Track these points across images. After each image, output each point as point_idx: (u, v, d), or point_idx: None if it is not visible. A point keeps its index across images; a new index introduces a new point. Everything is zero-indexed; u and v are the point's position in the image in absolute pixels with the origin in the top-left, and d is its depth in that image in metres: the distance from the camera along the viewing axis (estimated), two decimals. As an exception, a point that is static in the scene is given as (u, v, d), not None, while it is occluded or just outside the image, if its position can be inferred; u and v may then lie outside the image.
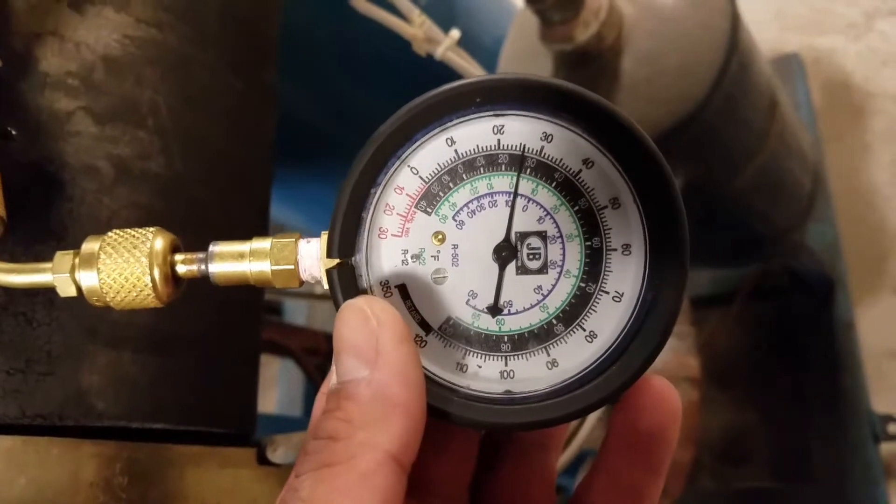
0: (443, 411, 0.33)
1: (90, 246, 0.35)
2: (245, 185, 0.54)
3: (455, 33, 0.77)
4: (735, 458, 1.64)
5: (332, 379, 0.31)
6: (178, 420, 0.44)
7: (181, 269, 0.36)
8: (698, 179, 1.30)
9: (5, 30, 0.44)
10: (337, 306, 0.33)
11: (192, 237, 0.39)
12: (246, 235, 0.37)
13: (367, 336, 0.30)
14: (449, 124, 0.35)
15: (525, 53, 1.35)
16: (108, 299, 0.34)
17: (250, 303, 0.54)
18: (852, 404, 1.53)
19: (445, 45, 0.75)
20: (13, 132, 0.42)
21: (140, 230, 0.35)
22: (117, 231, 0.36)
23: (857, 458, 1.50)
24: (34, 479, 0.37)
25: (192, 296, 0.38)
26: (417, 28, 0.75)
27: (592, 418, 0.68)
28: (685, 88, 1.19)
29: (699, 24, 1.20)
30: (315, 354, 1.43)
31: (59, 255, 0.35)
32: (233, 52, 0.54)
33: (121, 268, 0.34)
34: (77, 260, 0.35)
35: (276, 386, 1.86)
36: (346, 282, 0.34)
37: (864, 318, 1.64)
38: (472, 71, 0.77)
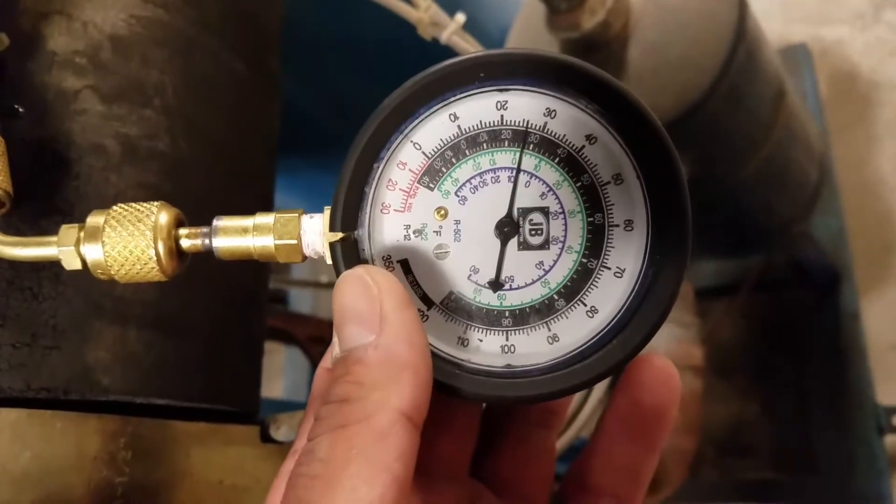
0: (445, 384, 0.33)
1: (95, 219, 0.35)
2: (248, 168, 0.55)
3: (460, 17, 0.76)
4: (738, 450, 1.64)
5: (334, 351, 0.32)
6: (182, 397, 0.45)
7: (185, 243, 0.36)
8: (704, 169, 1.29)
9: (13, 8, 0.44)
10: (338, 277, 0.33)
11: (198, 216, 0.39)
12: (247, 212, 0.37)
13: (369, 302, 0.30)
14: (452, 99, 0.35)
15: (531, 41, 1.35)
16: (112, 272, 0.35)
17: (256, 282, 0.54)
18: (857, 396, 1.52)
19: (451, 29, 0.75)
20: (21, 110, 0.42)
21: (145, 204, 0.36)
22: (122, 205, 0.36)
23: (861, 449, 1.50)
24: (39, 452, 0.38)
25: (197, 274, 0.38)
26: (423, 12, 0.74)
27: (593, 402, 0.68)
28: (691, 78, 1.19)
29: (706, 13, 1.19)
30: (320, 343, 1.43)
31: (64, 228, 0.36)
32: (237, 38, 0.54)
33: (125, 241, 0.34)
34: (82, 233, 0.35)
35: (282, 374, 1.87)
36: (348, 255, 0.34)
37: (870, 310, 1.63)
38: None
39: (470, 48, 0.77)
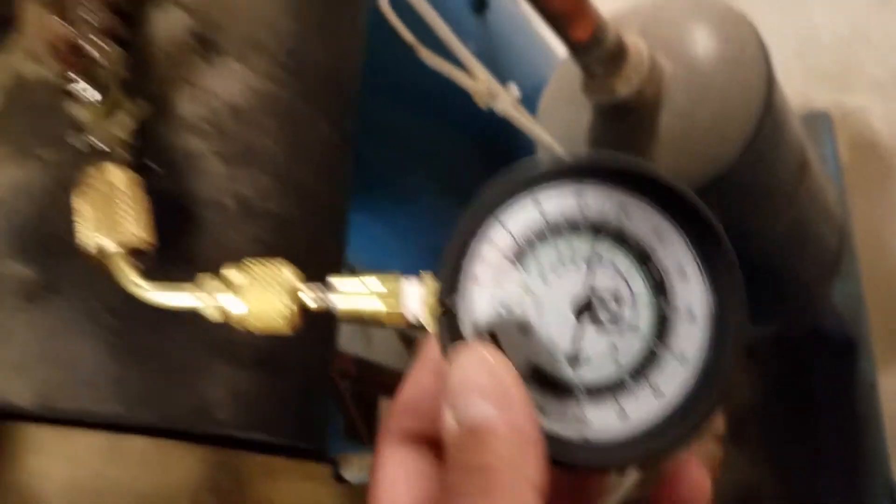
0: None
1: (231, 273, 0.41)
2: (335, 218, 0.61)
3: (514, 90, 0.83)
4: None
5: (448, 421, 0.35)
6: (279, 433, 0.50)
7: (308, 301, 0.41)
8: (727, 233, 1.34)
9: (147, 76, 0.50)
10: (443, 348, 0.39)
11: (302, 269, 0.44)
12: (334, 270, 0.43)
13: (492, 378, 0.34)
14: (540, 192, 0.41)
15: (566, 101, 1.41)
16: (246, 324, 0.40)
17: (329, 328, 0.60)
18: (871, 468, 1.52)
19: (506, 101, 0.82)
20: (154, 167, 0.48)
21: (275, 261, 0.41)
22: (255, 260, 0.41)
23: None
24: (159, 478, 0.43)
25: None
26: (481, 84, 0.81)
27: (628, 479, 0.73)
28: (719, 145, 1.24)
29: (736, 84, 1.25)
30: (346, 377, 1.47)
31: (202, 277, 0.41)
32: (327, 104, 0.60)
33: (261, 296, 0.40)
34: (220, 284, 0.41)
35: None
36: (449, 326, 0.40)
37: (887, 382, 1.64)
38: (528, 125, 0.82)
39: (521, 118, 0.83)
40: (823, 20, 2.22)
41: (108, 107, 0.43)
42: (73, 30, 0.42)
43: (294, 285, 0.41)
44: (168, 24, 0.51)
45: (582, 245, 0.41)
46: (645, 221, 0.40)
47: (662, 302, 0.41)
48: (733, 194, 1.31)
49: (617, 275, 0.41)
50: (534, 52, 1.74)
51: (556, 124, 1.38)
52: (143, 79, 0.49)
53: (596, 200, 0.40)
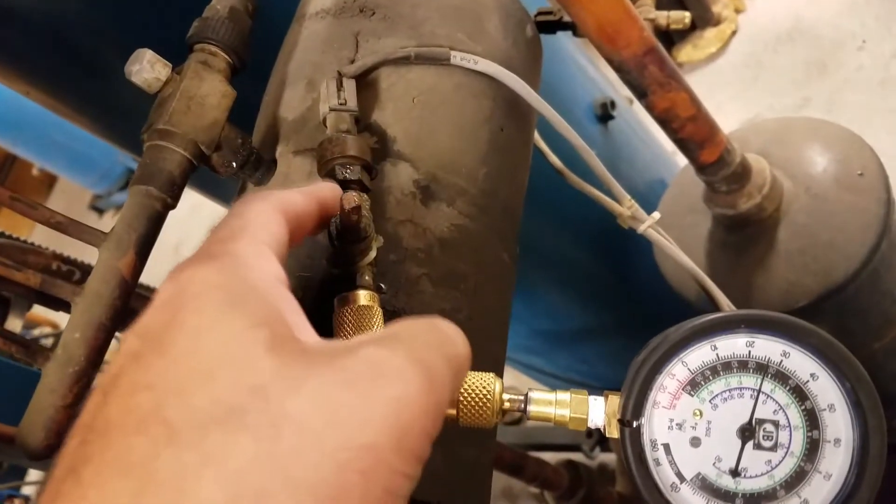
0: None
1: (454, 384, 0.52)
2: (502, 328, 0.72)
3: (656, 214, 0.92)
4: None
5: None
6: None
7: (507, 406, 0.52)
8: (840, 341, 1.38)
9: (382, 217, 0.63)
10: (625, 458, 0.48)
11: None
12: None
13: None
14: (715, 338, 0.50)
15: (686, 208, 1.50)
16: (459, 418, 0.50)
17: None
18: None
19: (647, 224, 0.92)
20: (384, 288, 0.61)
21: (489, 375, 0.52)
22: (473, 373, 0.52)
23: None
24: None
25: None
26: (626, 208, 0.91)
27: None
28: (836, 262, 1.30)
29: (854, 207, 1.31)
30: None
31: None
32: (503, 231, 0.72)
33: (473, 399, 0.50)
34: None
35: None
36: (634, 439, 0.49)
37: None
38: (668, 247, 0.92)
39: (661, 239, 0.92)
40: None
41: (368, 244, 0.56)
42: (365, 198, 0.56)
43: (501, 398, 0.51)
44: (397, 176, 0.65)
45: (748, 380, 0.50)
46: (802, 365, 0.49)
47: (813, 430, 0.49)
48: (848, 305, 1.36)
49: (777, 406, 0.49)
50: (647, 151, 1.85)
51: (676, 228, 1.47)
52: (378, 219, 0.62)
53: (763, 347, 0.50)
